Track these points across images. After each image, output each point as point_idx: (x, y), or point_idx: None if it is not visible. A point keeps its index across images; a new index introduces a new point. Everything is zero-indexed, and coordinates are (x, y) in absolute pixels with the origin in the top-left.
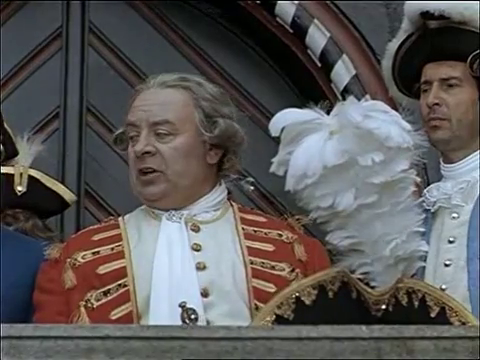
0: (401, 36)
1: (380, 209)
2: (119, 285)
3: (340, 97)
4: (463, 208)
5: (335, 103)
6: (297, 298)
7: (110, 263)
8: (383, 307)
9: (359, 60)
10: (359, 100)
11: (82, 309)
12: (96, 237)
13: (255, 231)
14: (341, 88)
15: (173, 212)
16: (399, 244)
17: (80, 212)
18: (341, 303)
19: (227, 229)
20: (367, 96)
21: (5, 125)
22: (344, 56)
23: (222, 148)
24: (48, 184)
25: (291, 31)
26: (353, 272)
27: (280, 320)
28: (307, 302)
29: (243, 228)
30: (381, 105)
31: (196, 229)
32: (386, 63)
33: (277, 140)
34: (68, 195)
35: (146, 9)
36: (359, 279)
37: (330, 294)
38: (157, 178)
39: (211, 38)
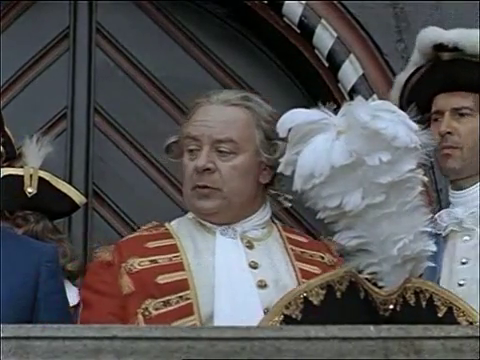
0: (410, 68)
1: (387, 209)
2: (180, 297)
3: (347, 97)
4: (475, 231)
5: (342, 103)
6: (305, 298)
7: (170, 274)
8: (391, 307)
9: (366, 60)
10: (366, 100)
11: (140, 316)
12: (150, 244)
13: (302, 252)
14: (348, 88)
15: (226, 227)
16: (406, 244)
17: (88, 212)
18: (349, 303)
19: (277, 248)
20: (374, 96)
21: (5, 127)
22: (351, 56)
23: (275, 169)
24: (58, 186)
25: (298, 31)
26: (361, 272)
27: (288, 320)
28: (315, 302)
29: (292, 248)
30: (388, 105)
31: (251, 246)
32: (394, 94)
33: (285, 140)
34: (77, 197)
35: (154, 9)
36: (367, 279)
37: (338, 294)
38: (213, 194)
39: (218, 38)
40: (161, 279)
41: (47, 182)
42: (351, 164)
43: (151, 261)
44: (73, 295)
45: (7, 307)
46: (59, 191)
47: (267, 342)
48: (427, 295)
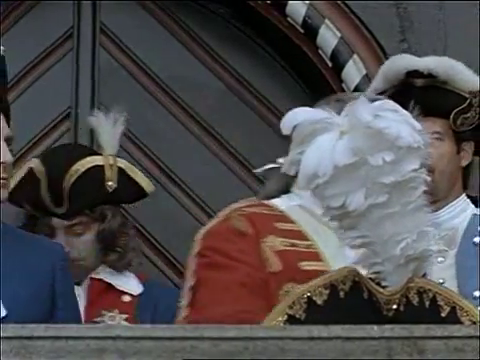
0: (370, 94)
1: (390, 209)
2: None
3: None
4: (448, 253)
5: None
6: (309, 298)
7: (310, 261)
8: (394, 307)
9: (370, 60)
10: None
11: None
12: (279, 225)
13: None
14: (352, 88)
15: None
16: (409, 244)
17: None
18: (352, 303)
19: None
20: None
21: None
22: (355, 56)
23: None
24: (134, 175)
25: (302, 31)
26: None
27: (292, 320)
28: (319, 302)
29: None
30: (391, 104)
31: None
32: None
33: (288, 139)
34: (148, 186)
35: (157, 9)
36: (370, 279)
37: (341, 294)
38: None
39: (222, 38)
40: (305, 265)
41: (123, 171)
42: (354, 164)
43: (291, 244)
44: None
45: (31, 309)
46: (132, 180)
47: (270, 342)
48: (430, 295)
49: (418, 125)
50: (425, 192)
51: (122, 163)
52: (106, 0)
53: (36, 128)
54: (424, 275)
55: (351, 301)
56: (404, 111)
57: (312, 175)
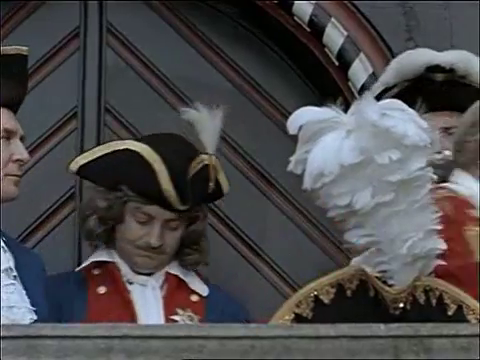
0: (378, 88)
1: (397, 207)
2: None
3: (357, 96)
4: None
5: (352, 102)
6: (316, 297)
7: None
8: (401, 305)
9: (376, 59)
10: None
11: None
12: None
13: None
14: (358, 86)
15: None
16: (416, 242)
17: None
18: (359, 302)
19: None
20: None
21: None
22: (361, 55)
23: None
24: (219, 175)
25: (309, 30)
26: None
27: (299, 319)
28: (326, 301)
29: None
30: (398, 103)
31: None
32: None
33: (295, 138)
34: (226, 186)
35: (164, 9)
36: (377, 277)
37: (348, 293)
38: None
39: (229, 37)
40: None
41: (216, 171)
42: (361, 163)
43: None
44: None
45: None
46: (217, 180)
47: (277, 341)
48: (437, 293)
49: (424, 124)
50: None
51: (217, 164)
52: (112, 0)
53: (42, 127)
54: (430, 273)
55: (358, 300)
56: (410, 110)
57: (318, 174)
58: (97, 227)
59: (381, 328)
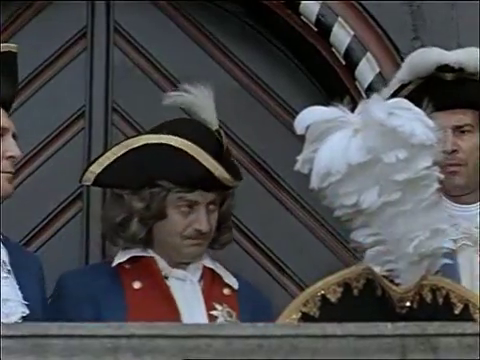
0: (394, 85)
1: (404, 206)
2: None
3: (364, 95)
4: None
5: (359, 101)
6: (323, 296)
7: None
8: (407, 304)
9: (383, 58)
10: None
11: None
12: None
13: None
14: (365, 86)
15: None
16: (422, 241)
17: None
18: (366, 300)
19: None
20: None
21: None
22: (368, 54)
23: None
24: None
25: (315, 29)
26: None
27: (306, 318)
28: (332, 300)
29: None
30: (405, 102)
31: None
32: None
33: (302, 138)
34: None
35: (171, 9)
36: (384, 276)
37: (355, 292)
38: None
39: (236, 37)
40: None
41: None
42: (368, 162)
43: None
44: None
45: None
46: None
47: (284, 340)
48: (443, 292)
49: (431, 123)
50: (459, 186)
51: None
52: (120, 0)
53: (50, 127)
54: (437, 272)
55: (365, 299)
56: (417, 109)
57: (325, 173)
58: (141, 230)
59: (388, 327)
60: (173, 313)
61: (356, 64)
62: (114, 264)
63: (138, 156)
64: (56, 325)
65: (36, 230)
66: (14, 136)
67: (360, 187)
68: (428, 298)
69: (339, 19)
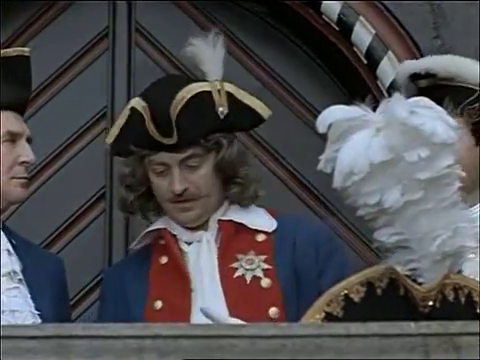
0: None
1: (426, 205)
2: None
3: (386, 94)
4: (476, 248)
5: (381, 100)
6: (346, 295)
7: None
8: (430, 303)
9: (404, 57)
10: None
11: None
12: None
13: None
14: (387, 85)
15: None
16: (445, 240)
17: None
18: (389, 300)
19: None
20: None
21: None
22: (389, 53)
23: None
24: (243, 99)
25: (337, 29)
26: (401, 266)
27: (329, 318)
28: (356, 299)
29: None
30: (426, 101)
31: None
32: None
33: (324, 137)
34: (263, 110)
35: (192, 8)
36: (406, 276)
37: (378, 291)
38: None
39: (258, 36)
40: None
41: (232, 96)
42: (390, 161)
43: None
44: None
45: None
46: (242, 104)
47: (308, 340)
48: (466, 291)
49: (453, 121)
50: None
51: (230, 87)
52: (141, 0)
53: (72, 128)
54: (459, 271)
55: (388, 298)
56: (439, 108)
57: (348, 173)
58: (128, 195)
59: (411, 326)
60: (185, 284)
61: (378, 63)
62: (132, 246)
63: (126, 123)
64: (80, 326)
65: (59, 231)
66: (29, 140)
67: (382, 186)
68: (450, 297)
69: (360, 18)
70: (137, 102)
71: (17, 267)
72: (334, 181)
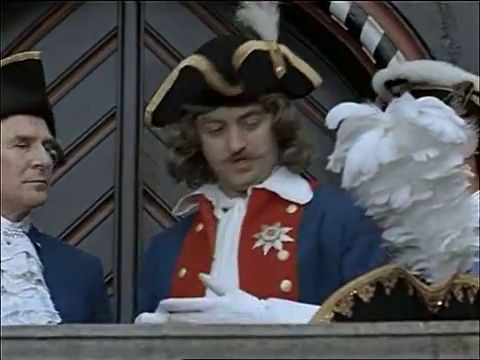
0: None
1: (435, 205)
2: None
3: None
4: None
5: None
6: (355, 296)
7: None
8: (439, 303)
9: (413, 57)
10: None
11: None
12: None
13: None
14: None
15: None
16: (454, 240)
17: (138, 212)
18: (398, 300)
19: None
20: None
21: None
22: (398, 53)
23: None
24: (297, 64)
25: (346, 29)
26: (409, 269)
27: (339, 318)
28: (365, 299)
29: None
30: (435, 101)
31: None
32: None
33: (334, 136)
34: (315, 77)
35: (201, 8)
36: (415, 276)
37: (387, 291)
38: None
39: None
40: None
41: (287, 59)
42: (399, 161)
43: None
44: None
45: (79, 316)
46: (296, 69)
47: (317, 340)
48: (475, 291)
49: (461, 121)
50: None
51: (286, 50)
52: (150, 0)
53: (81, 128)
54: (468, 271)
55: (397, 298)
56: (448, 107)
57: (357, 173)
58: (177, 159)
59: (420, 326)
60: (209, 252)
61: (386, 63)
62: (173, 212)
63: (174, 88)
64: (89, 326)
65: (68, 231)
66: (47, 142)
67: (391, 186)
68: (460, 297)
69: (369, 18)
70: (193, 59)
71: (35, 268)
72: (343, 181)
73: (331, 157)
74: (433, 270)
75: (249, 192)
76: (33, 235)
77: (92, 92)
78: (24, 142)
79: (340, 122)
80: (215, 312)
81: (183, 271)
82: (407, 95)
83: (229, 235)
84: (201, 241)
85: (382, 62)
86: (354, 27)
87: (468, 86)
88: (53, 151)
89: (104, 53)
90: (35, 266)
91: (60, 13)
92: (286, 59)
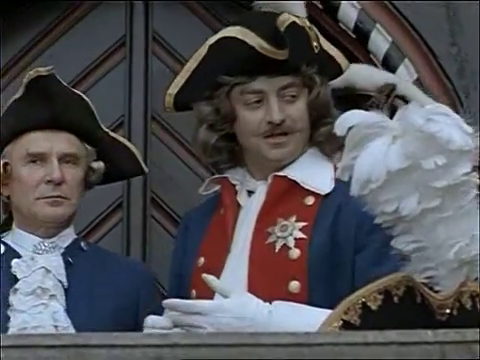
0: None
1: (443, 213)
2: None
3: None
4: None
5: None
6: (363, 304)
7: None
8: (447, 311)
9: (420, 64)
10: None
11: None
12: None
13: None
14: None
15: None
16: (462, 247)
17: (146, 220)
18: (406, 308)
19: None
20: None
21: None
22: (406, 60)
23: None
24: (325, 46)
25: (354, 36)
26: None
27: (347, 326)
28: (373, 307)
29: None
30: (443, 108)
31: None
32: None
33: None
34: (343, 61)
35: (209, 16)
36: (423, 283)
37: (395, 299)
38: None
39: None
40: None
41: (318, 39)
42: (407, 168)
43: None
44: None
45: (114, 323)
46: (326, 52)
47: (326, 348)
48: None
49: (469, 129)
50: None
51: (316, 31)
52: (158, 8)
53: None
54: (476, 279)
55: (405, 306)
56: (455, 115)
57: (365, 180)
58: (210, 137)
59: (428, 334)
60: (226, 242)
61: (394, 70)
62: (200, 191)
63: (204, 64)
64: (98, 335)
65: None
66: (65, 157)
67: (400, 194)
68: (468, 305)
69: (377, 26)
70: (229, 31)
71: (50, 284)
72: (351, 189)
73: (339, 165)
74: (441, 278)
75: (270, 179)
76: (73, 249)
77: (100, 100)
78: (37, 158)
79: (348, 129)
80: (215, 316)
81: (201, 260)
82: (415, 102)
83: (244, 227)
84: (221, 227)
85: (390, 70)
86: (362, 35)
87: (390, 90)
88: (93, 164)
89: (112, 61)
90: (51, 282)
91: (68, 21)
92: (317, 39)
